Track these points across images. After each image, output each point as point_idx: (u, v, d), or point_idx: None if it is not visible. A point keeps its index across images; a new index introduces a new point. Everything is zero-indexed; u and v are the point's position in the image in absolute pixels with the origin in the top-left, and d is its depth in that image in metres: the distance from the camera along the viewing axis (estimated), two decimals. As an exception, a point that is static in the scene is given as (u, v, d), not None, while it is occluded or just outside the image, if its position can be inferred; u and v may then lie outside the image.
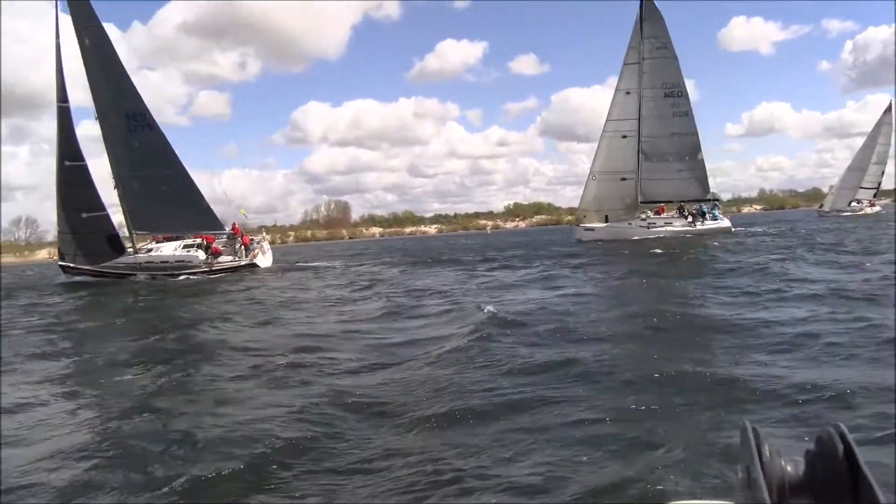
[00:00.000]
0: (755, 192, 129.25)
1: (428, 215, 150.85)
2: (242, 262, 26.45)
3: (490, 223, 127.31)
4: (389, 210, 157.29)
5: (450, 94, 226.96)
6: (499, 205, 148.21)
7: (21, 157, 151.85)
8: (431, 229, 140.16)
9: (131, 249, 26.63)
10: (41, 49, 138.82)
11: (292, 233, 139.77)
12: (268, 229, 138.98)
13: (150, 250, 26.70)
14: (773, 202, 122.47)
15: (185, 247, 26.65)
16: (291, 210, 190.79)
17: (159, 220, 26.83)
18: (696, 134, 34.48)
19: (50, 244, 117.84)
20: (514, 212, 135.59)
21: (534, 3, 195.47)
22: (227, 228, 27.60)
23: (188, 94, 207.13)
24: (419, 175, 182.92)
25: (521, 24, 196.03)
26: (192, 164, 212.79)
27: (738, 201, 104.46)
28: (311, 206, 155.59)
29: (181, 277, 24.97)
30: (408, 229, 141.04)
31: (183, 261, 26.04)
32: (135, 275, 25.42)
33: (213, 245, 26.60)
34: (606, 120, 35.14)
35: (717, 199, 35.88)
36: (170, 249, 26.57)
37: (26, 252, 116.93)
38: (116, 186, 26.66)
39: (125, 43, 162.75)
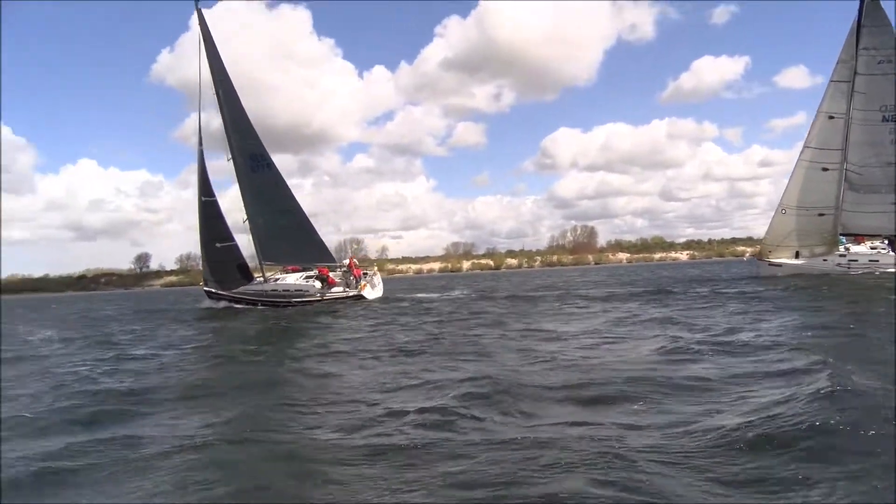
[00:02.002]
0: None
1: (680, 240, 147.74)
2: (350, 293, 28.75)
3: (749, 250, 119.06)
4: (639, 235, 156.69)
5: (706, 113, 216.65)
6: (760, 230, 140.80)
7: (305, 189, 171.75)
8: (683, 255, 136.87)
9: (261, 278, 29.67)
10: (325, 93, 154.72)
11: (539, 257, 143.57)
12: (514, 254, 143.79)
13: (277, 279, 29.64)
14: None
15: (306, 277, 29.34)
16: (540, 235, 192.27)
17: (280, 251, 29.70)
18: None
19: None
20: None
21: (803, 13, 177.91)
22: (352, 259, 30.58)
23: (447, 126, 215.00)
24: (672, 199, 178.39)
25: (790, 35, 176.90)
26: (450, 191, 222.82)
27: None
28: (559, 232, 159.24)
29: (296, 305, 27.76)
30: (657, 255, 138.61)
31: (301, 290, 28.74)
32: (257, 303, 28.46)
33: (329, 276, 29.09)
34: (804, 146, 31.26)
35: None
36: (293, 279, 29.38)
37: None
38: (245, 220, 29.62)
39: (393, 82, 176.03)
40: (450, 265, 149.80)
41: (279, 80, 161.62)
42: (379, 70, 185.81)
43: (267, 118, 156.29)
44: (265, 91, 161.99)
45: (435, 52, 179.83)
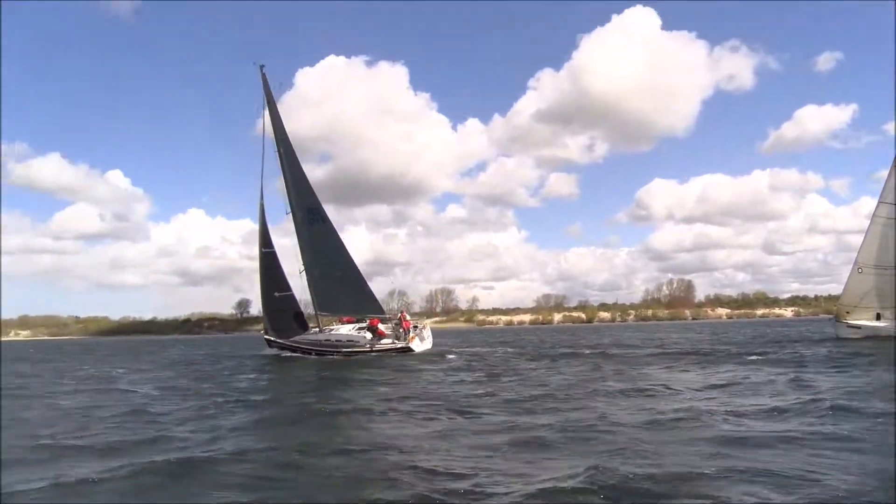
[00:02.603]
0: None
1: (784, 296, 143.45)
2: (399, 345, 29.08)
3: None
4: (740, 290, 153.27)
5: (811, 163, 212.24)
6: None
7: (399, 238, 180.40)
8: (787, 312, 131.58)
9: (316, 329, 30.58)
10: (420, 146, 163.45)
11: (633, 311, 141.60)
12: (607, 307, 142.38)
13: (331, 330, 30.48)
14: None
15: (359, 329, 30.01)
16: (634, 288, 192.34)
17: (334, 302, 30.59)
18: None
19: (415, 314, 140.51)
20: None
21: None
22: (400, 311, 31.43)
23: (539, 177, 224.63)
24: (775, 252, 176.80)
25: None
26: (542, 242, 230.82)
27: None
28: (654, 285, 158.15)
29: (347, 356, 28.32)
30: (759, 311, 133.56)
31: (352, 341, 29.36)
32: (311, 352, 29.29)
33: (379, 328, 29.63)
34: (879, 201, 30.02)
35: None
36: (346, 330, 30.12)
37: None
38: (301, 270, 30.77)
39: (486, 134, 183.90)
40: (541, 317, 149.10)
41: (377, 134, 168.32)
42: (472, 123, 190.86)
43: (364, 170, 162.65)
44: (364, 144, 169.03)
45: (528, 105, 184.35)
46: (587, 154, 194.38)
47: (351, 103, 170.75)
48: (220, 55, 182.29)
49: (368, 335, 29.38)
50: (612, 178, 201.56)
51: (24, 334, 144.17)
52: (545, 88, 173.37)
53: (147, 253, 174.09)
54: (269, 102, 30.85)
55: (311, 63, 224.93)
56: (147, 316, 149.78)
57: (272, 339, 30.77)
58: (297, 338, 30.20)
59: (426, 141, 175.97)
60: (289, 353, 29.83)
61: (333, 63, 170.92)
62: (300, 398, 13.89)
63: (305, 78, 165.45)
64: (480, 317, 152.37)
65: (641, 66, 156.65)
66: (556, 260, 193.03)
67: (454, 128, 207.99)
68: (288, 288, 30.66)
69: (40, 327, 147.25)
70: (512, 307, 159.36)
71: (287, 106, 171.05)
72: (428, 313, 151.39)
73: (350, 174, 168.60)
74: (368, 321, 30.10)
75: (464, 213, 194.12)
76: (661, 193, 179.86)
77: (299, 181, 30.93)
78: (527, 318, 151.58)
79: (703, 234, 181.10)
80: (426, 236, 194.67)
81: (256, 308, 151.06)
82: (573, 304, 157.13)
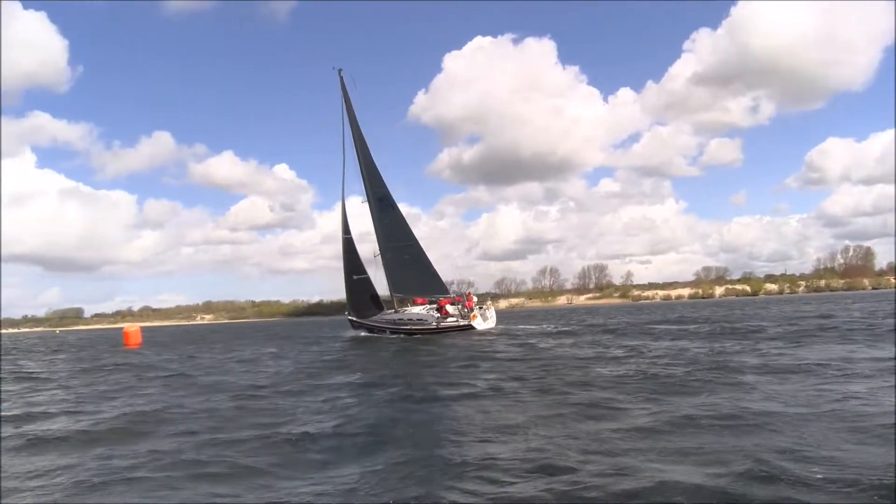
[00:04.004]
0: None
1: None
2: (461, 323, 30.71)
3: None
4: None
5: None
6: None
7: (551, 215, 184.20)
8: None
9: (392, 310, 32.96)
10: (570, 120, 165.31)
11: (803, 282, 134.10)
12: (774, 279, 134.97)
13: (405, 310, 32.72)
14: None
15: (430, 309, 32.03)
16: (806, 257, 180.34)
17: (405, 283, 32.79)
18: None
19: (568, 291, 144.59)
20: None
21: None
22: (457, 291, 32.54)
23: (698, 144, 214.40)
24: None
25: None
26: (702, 212, 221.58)
27: None
28: (827, 253, 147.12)
29: (415, 334, 30.44)
30: None
31: (422, 319, 31.37)
32: (385, 331, 31.66)
33: (444, 308, 31.45)
34: None
35: None
36: (417, 310, 32.24)
37: (549, 298, 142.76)
38: (376, 255, 33.27)
39: (639, 103, 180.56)
40: (701, 291, 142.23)
41: (526, 112, 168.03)
42: (624, 92, 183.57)
43: (515, 149, 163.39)
44: (513, 123, 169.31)
45: (683, 68, 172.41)
46: (751, 116, 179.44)
47: (499, 82, 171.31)
48: (367, 50, 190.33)
49: (436, 314, 31.27)
50: (780, 141, 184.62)
51: (207, 318, 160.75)
52: (702, 49, 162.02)
53: (313, 240, 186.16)
54: (345, 101, 33.63)
55: (458, 46, 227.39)
56: (314, 299, 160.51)
57: (354, 319, 33.54)
58: (374, 317, 32.78)
59: (576, 115, 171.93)
60: (366, 333, 32.41)
61: (480, 44, 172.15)
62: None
63: (454, 61, 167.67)
64: (635, 292, 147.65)
65: (810, 15, 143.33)
66: (719, 231, 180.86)
67: (605, 99, 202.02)
68: (364, 271, 33.36)
69: (221, 311, 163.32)
70: (669, 281, 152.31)
71: (436, 90, 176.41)
72: (580, 290, 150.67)
73: (500, 153, 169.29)
74: (437, 302, 31.97)
75: (617, 186, 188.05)
76: (835, 154, 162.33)
77: (372, 172, 33.39)
78: (685, 292, 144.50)
79: (885, 195, 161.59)
80: (579, 212, 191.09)
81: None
82: (737, 277, 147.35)
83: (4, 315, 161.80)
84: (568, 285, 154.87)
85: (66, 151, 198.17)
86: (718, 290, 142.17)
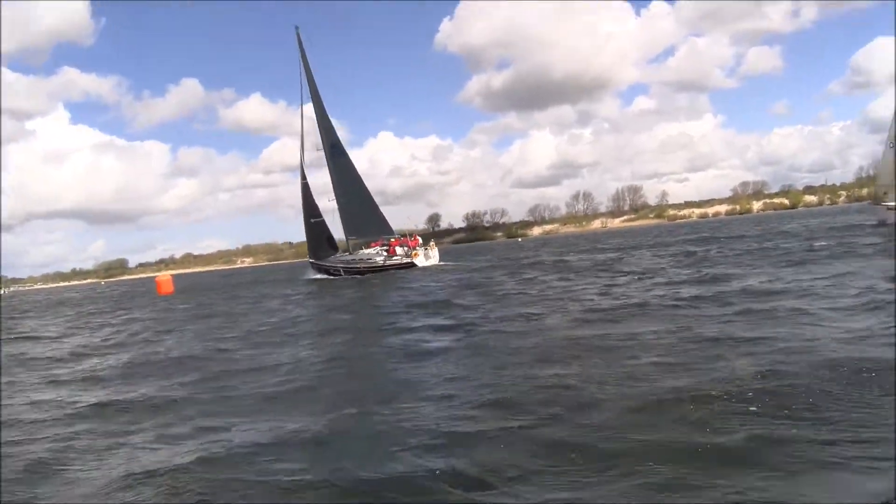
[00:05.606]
0: None
1: None
2: (404, 261, 32.59)
3: None
4: None
5: None
6: None
7: (585, 138, 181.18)
8: None
9: (347, 253, 34.86)
10: (602, 38, 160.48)
11: (843, 192, 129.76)
12: (813, 190, 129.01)
13: (357, 252, 34.56)
14: None
15: (380, 250, 33.93)
16: (850, 166, 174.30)
17: (355, 226, 34.56)
18: None
19: (602, 215, 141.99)
20: None
21: None
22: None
23: (736, 55, 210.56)
24: None
25: None
26: (741, 125, 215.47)
27: None
28: (871, 161, 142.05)
29: (364, 273, 32.38)
30: None
31: (371, 259, 33.27)
32: (339, 272, 33.62)
33: (393, 248, 33.39)
34: None
35: None
36: (368, 251, 34.12)
37: (584, 223, 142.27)
38: (331, 199, 35.08)
39: (673, 14, 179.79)
40: (738, 207, 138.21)
41: (555, 32, 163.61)
42: (657, 5, 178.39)
43: (545, 71, 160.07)
44: (542, 45, 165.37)
45: None
46: (792, 21, 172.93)
47: (526, 3, 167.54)
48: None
49: (384, 254, 33.14)
50: (823, 46, 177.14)
51: (248, 261, 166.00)
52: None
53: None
54: (302, 57, 35.29)
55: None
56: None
57: (312, 261, 35.64)
58: (330, 259, 34.77)
59: (608, 31, 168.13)
60: (322, 276, 34.43)
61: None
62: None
63: None
64: (671, 211, 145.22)
65: None
66: (758, 144, 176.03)
67: (637, 13, 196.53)
68: (320, 215, 35.22)
69: (261, 254, 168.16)
70: (706, 199, 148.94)
71: (461, 16, 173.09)
72: (614, 213, 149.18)
73: (530, 77, 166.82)
74: (390, 244, 33.80)
75: (652, 103, 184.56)
76: (884, 54, 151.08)
77: (323, 119, 35.01)
78: (722, 209, 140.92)
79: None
80: (613, 133, 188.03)
81: (447, 221, 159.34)
82: (775, 190, 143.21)
83: (55, 269, 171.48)
84: (602, 209, 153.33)
85: (97, 105, 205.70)
86: (756, 205, 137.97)
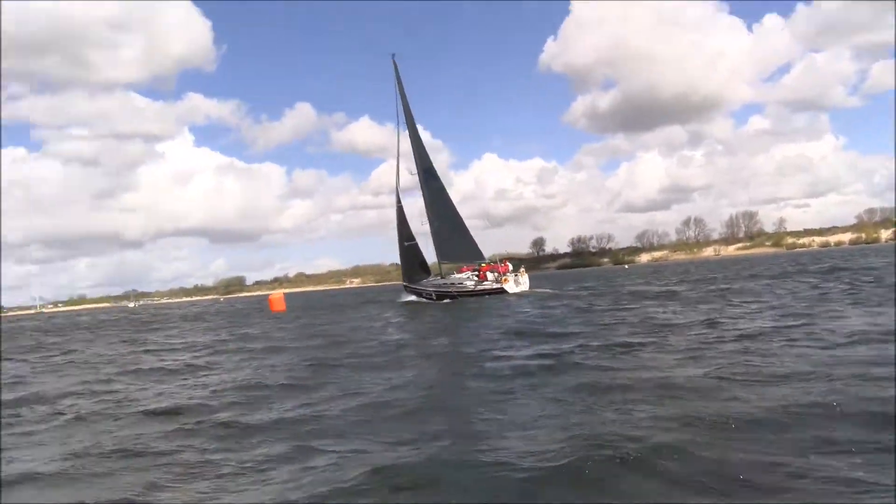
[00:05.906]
0: None
1: None
2: (494, 287, 32.50)
3: None
4: None
5: None
6: None
7: (696, 160, 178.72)
8: None
9: (438, 277, 35.21)
10: (712, 55, 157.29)
11: None
12: None
13: (449, 276, 34.98)
14: None
15: (471, 275, 34.16)
16: None
17: (447, 250, 34.90)
18: None
19: (715, 242, 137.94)
20: None
21: None
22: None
23: (859, 71, 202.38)
24: None
25: None
26: (866, 148, 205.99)
27: None
28: None
29: (455, 297, 32.60)
30: None
31: (462, 284, 33.49)
32: (431, 296, 33.98)
33: (484, 274, 33.51)
34: None
35: None
36: (459, 276, 34.42)
37: (695, 250, 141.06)
38: (424, 223, 35.63)
39: (788, 29, 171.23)
40: (863, 235, 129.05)
41: (663, 50, 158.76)
42: (771, 19, 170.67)
43: (653, 91, 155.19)
44: (650, 63, 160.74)
45: None
46: None
47: (633, 20, 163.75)
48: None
49: (475, 279, 33.28)
50: None
51: (356, 281, 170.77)
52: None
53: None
54: (398, 85, 36.42)
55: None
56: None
57: (407, 284, 36.23)
58: (422, 282, 35.24)
59: (718, 48, 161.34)
60: (415, 298, 34.88)
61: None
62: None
63: (582, 2, 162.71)
64: (790, 239, 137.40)
65: None
66: (885, 167, 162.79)
67: (749, 28, 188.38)
68: (413, 238, 35.76)
69: (368, 275, 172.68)
70: (828, 226, 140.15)
71: (565, 35, 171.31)
72: (728, 240, 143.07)
73: (637, 97, 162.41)
74: (480, 269, 33.93)
75: (768, 123, 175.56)
76: None
77: (418, 144, 35.69)
78: (846, 237, 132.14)
79: None
80: (726, 155, 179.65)
81: (552, 245, 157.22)
82: None
83: (179, 284, 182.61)
84: (715, 235, 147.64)
85: (219, 128, 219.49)
86: (885, 234, 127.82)
